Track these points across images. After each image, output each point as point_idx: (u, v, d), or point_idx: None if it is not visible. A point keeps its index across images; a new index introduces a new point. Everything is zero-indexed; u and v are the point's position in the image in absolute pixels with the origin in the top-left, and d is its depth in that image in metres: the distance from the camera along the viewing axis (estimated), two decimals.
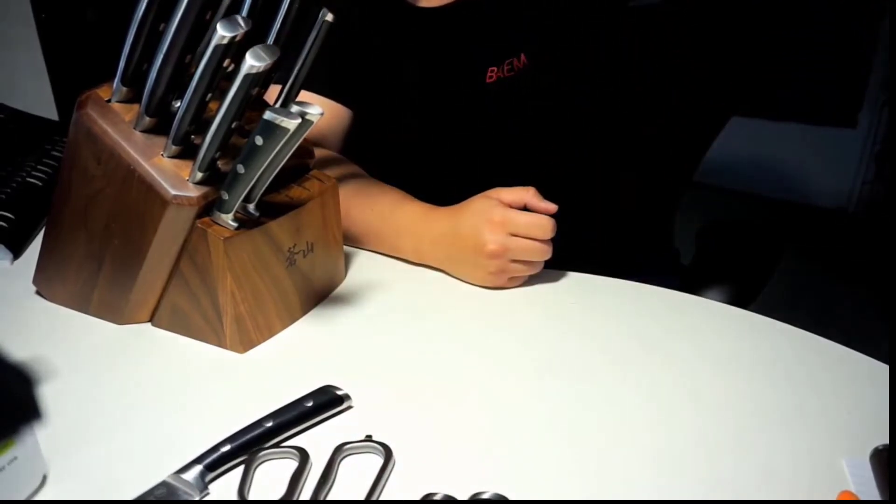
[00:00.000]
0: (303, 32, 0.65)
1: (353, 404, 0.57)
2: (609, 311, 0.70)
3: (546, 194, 0.71)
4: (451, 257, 0.74)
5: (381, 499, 0.49)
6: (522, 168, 0.87)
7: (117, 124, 0.61)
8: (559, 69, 0.84)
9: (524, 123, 0.86)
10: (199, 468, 0.50)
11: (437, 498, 0.47)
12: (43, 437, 0.50)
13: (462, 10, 0.82)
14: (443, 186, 0.81)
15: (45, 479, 0.50)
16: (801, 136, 2.59)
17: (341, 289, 0.74)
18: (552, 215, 0.70)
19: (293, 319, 0.68)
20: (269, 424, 0.53)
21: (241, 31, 0.54)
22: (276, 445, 0.53)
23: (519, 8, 0.83)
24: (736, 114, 1.09)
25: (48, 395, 0.58)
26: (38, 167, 0.93)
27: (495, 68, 0.83)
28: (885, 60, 2.37)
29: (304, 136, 0.58)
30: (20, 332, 0.67)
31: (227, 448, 0.51)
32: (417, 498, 0.48)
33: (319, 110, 0.56)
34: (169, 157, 0.60)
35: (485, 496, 0.48)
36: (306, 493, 0.49)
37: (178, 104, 0.59)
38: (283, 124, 0.53)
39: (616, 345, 0.65)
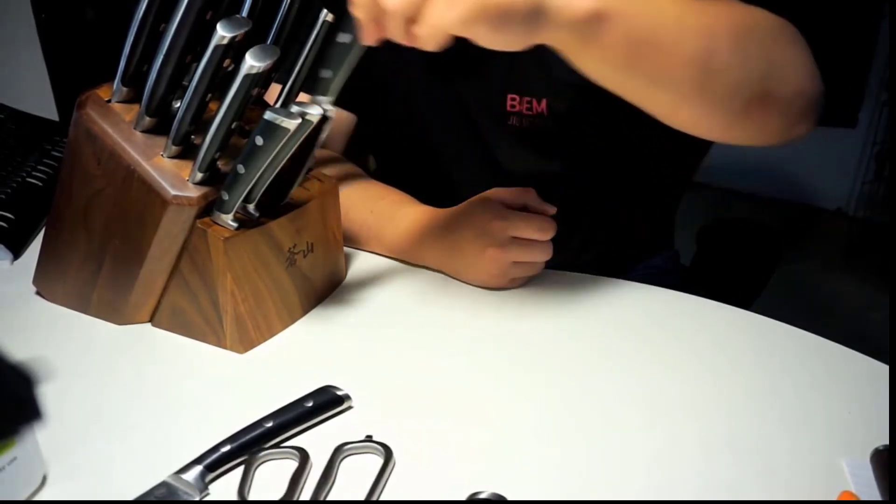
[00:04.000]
0: (303, 32, 0.65)
1: (353, 404, 0.57)
2: (609, 311, 0.70)
3: (546, 194, 0.71)
4: (451, 260, 0.74)
5: (381, 499, 0.49)
6: (544, 175, 0.87)
7: (117, 124, 0.61)
8: (579, 122, 0.81)
9: (534, 151, 0.85)
10: (199, 468, 0.50)
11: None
12: (43, 438, 0.50)
13: None
14: (443, 188, 0.81)
15: (44, 479, 0.50)
16: None
17: (341, 289, 0.74)
18: (552, 216, 0.70)
19: (293, 319, 0.68)
20: (269, 424, 0.53)
21: (241, 31, 0.54)
22: (276, 446, 0.53)
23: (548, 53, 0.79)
24: None
25: (48, 395, 0.57)
26: (38, 167, 0.93)
27: (516, 97, 0.82)
28: (885, 60, 2.37)
29: (304, 136, 0.58)
30: (20, 332, 0.67)
31: (227, 448, 0.51)
32: (417, 498, 0.48)
33: (319, 111, 0.56)
34: (169, 157, 0.60)
35: (483, 496, 0.48)
36: (306, 494, 0.49)
37: (179, 104, 0.59)
38: (284, 124, 0.53)
39: (616, 345, 0.65)
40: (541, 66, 0.79)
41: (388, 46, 0.86)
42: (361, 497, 0.48)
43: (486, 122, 0.84)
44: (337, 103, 0.59)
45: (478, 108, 0.84)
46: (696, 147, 0.95)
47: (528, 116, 0.81)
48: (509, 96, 0.82)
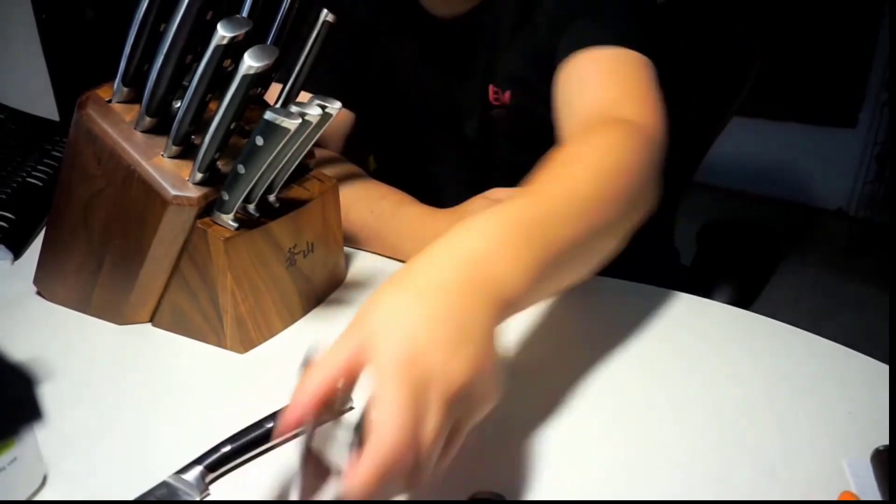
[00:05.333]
0: (303, 32, 0.65)
1: (353, 405, 0.57)
2: (609, 311, 0.70)
3: None
4: None
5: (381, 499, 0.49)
6: (521, 170, 0.87)
7: (118, 124, 0.61)
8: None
9: (521, 143, 0.86)
10: (199, 469, 0.50)
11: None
12: (43, 438, 0.50)
13: (472, 23, 0.81)
14: (443, 189, 0.81)
15: (45, 479, 0.50)
16: (801, 136, 2.59)
17: (341, 289, 0.74)
18: None
19: (293, 319, 0.68)
20: (270, 425, 0.53)
21: (241, 31, 0.54)
22: (277, 446, 0.53)
23: (523, 38, 0.80)
24: (736, 114, 1.09)
25: (48, 395, 0.58)
26: (39, 167, 0.93)
27: (499, 91, 0.82)
28: (885, 60, 2.37)
29: (305, 135, 0.58)
30: (20, 332, 0.67)
31: (227, 448, 0.51)
32: (417, 498, 0.48)
33: (318, 111, 0.56)
34: (169, 157, 0.60)
35: (483, 496, 0.48)
36: None
37: (179, 104, 0.59)
38: (284, 124, 0.53)
39: (615, 344, 0.65)
40: (508, 61, 0.80)
41: (383, 43, 0.87)
42: None
43: (473, 115, 0.85)
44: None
45: (466, 101, 0.84)
46: (694, 147, 0.95)
47: (499, 107, 0.82)
48: (491, 87, 0.82)
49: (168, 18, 0.55)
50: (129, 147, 0.60)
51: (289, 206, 0.65)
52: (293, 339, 0.66)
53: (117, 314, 0.67)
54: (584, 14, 0.73)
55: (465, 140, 0.87)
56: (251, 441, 0.52)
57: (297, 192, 0.67)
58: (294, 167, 0.63)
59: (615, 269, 0.80)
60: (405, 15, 0.84)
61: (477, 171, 0.88)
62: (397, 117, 0.91)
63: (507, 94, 0.81)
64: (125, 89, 0.61)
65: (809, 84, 2.49)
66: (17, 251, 0.80)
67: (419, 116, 0.89)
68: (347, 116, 0.90)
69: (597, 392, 0.59)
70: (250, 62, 0.53)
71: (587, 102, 0.68)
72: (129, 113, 0.61)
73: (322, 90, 0.86)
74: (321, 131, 0.60)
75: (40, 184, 0.90)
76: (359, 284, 0.74)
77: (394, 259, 0.78)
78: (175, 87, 0.59)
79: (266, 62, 0.53)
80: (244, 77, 0.54)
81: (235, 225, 0.60)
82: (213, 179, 0.60)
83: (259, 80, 0.58)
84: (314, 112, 0.55)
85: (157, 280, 0.64)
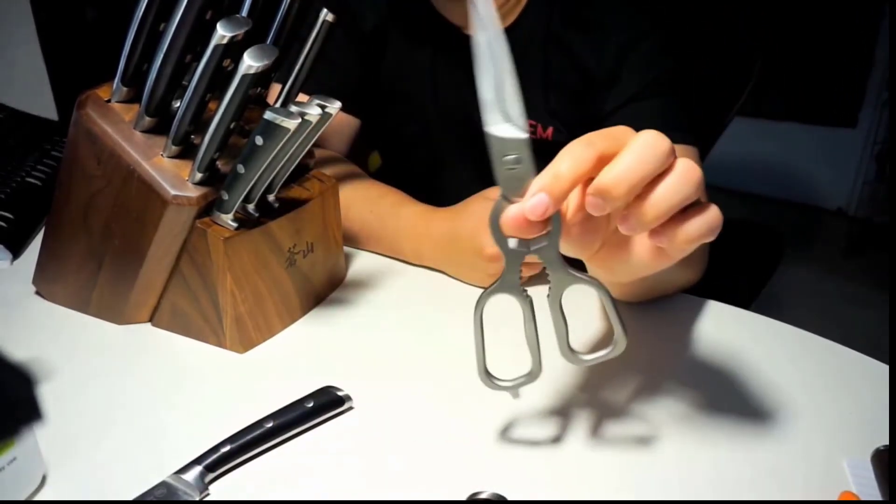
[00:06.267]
0: (303, 32, 0.65)
1: (353, 405, 0.57)
2: None
3: None
4: (450, 260, 0.74)
5: (381, 499, 0.49)
6: None
7: (117, 124, 0.61)
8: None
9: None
10: (199, 469, 0.50)
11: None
12: (43, 437, 0.50)
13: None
14: (442, 188, 0.81)
15: (44, 479, 0.50)
16: (801, 136, 2.59)
17: (341, 289, 0.74)
18: None
19: (293, 319, 0.68)
20: (270, 425, 0.53)
21: (241, 31, 0.54)
22: (277, 446, 0.53)
23: (566, 81, 0.83)
24: (736, 114, 1.09)
25: (48, 395, 0.58)
26: (38, 167, 0.93)
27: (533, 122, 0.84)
28: (885, 60, 2.37)
29: (305, 135, 0.58)
30: (20, 332, 0.67)
31: (227, 448, 0.51)
32: (417, 498, 0.48)
33: (318, 111, 0.56)
34: (169, 157, 0.60)
35: (483, 496, 0.48)
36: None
37: (178, 104, 0.59)
38: (284, 124, 0.53)
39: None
40: (546, 97, 0.81)
41: (395, 47, 0.87)
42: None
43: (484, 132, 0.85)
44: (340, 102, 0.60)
45: (477, 114, 0.85)
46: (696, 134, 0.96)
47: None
48: None
49: (168, 18, 0.55)
50: (129, 147, 0.60)
51: (289, 206, 0.65)
52: (293, 339, 0.66)
53: (117, 314, 0.67)
54: (650, 94, 0.80)
55: (474, 147, 0.87)
56: (251, 441, 0.52)
57: (297, 192, 0.67)
58: (294, 167, 0.63)
59: None
60: (420, 20, 0.85)
61: (487, 174, 0.88)
62: (405, 119, 0.91)
63: (550, 130, 0.82)
64: (125, 89, 0.61)
65: (809, 84, 2.50)
66: (16, 251, 0.80)
67: (429, 120, 0.89)
68: (353, 122, 0.90)
69: (595, 391, 0.59)
70: (250, 62, 0.53)
71: None
72: (129, 113, 0.61)
73: (327, 93, 0.86)
74: (321, 131, 0.60)
75: (40, 184, 0.90)
76: (359, 284, 0.74)
77: (394, 259, 0.78)
78: (175, 86, 0.59)
79: (266, 62, 0.53)
80: (244, 77, 0.54)
81: (235, 225, 0.60)
82: (213, 179, 0.60)
83: (259, 80, 0.58)
84: (314, 112, 0.55)
85: (157, 280, 0.64)
